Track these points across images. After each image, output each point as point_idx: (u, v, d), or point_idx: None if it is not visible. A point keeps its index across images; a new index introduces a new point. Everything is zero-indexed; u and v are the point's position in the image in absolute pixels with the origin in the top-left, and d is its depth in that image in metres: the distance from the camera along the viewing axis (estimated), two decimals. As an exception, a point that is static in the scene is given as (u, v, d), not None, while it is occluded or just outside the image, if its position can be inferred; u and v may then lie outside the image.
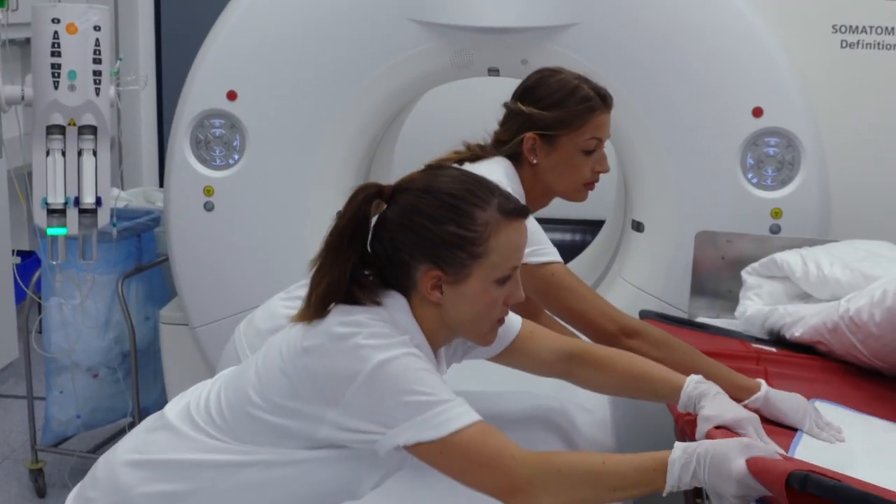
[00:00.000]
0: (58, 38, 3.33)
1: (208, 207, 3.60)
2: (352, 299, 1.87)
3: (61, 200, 3.40)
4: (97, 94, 3.38)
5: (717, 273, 3.23)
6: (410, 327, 1.88)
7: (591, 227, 4.98)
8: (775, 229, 3.42)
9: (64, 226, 3.42)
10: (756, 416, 2.01)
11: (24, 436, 4.27)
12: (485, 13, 3.41)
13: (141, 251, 4.05)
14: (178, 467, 1.90)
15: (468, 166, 2.52)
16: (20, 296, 4.71)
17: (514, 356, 2.19)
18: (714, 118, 3.42)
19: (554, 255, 2.46)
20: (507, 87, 3.71)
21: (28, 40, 3.39)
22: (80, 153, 3.41)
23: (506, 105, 2.63)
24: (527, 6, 3.39)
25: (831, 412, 2.29)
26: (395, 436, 1.79)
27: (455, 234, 1.84)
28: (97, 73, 3.37)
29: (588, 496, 1.79)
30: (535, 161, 2.54)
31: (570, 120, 2.51)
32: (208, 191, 3.60)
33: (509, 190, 2.42)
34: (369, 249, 1.90)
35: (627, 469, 1.78)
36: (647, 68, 3.42)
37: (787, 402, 2.19)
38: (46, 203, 3.39)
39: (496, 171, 2.50)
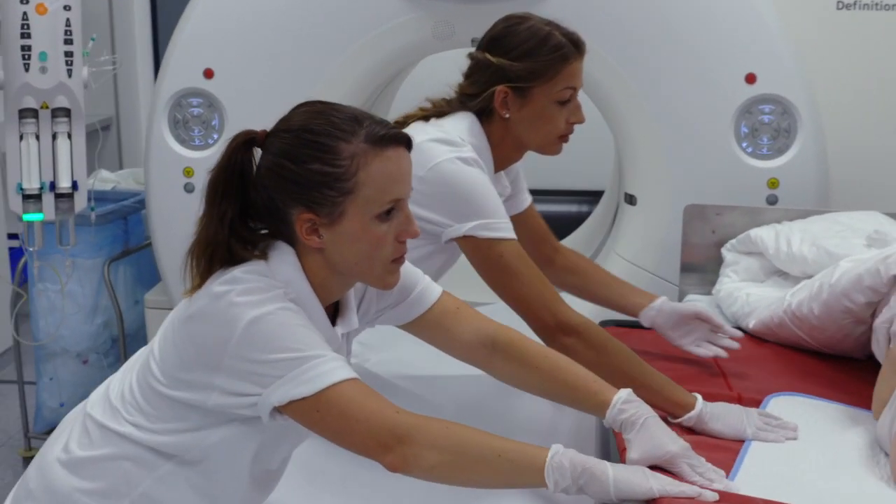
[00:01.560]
0: (27, 20, 3.23)
1: (189, 189, 3.52)
2: (235, 257, 1.77)
3: (37, 185, 3.32)
4: (69, 75, 3.28)
5: (706, 248, 3.11)
6: (294, 279, 1.78)
7: (594, 198, 4.87)
8: (772, 200, 3.30)
9: (40, 211, 3.34)
10: (687, 446, 1.85)
11: (20, 423, 4.22)
12: (465, -19, 3.31)
13: (128, 234, 3.98)
14: (104, 463, 1.84)
15: (433, 122, 2.43)
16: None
17: (431, 330, 2.06)
18: (705, 85, 3.31)
19: (506, 232, 2.31)
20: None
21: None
22: (54, 136, 3.33)
23: (471, 56, 2.47)
24: (508, -28, 3.28)
25: (790, 404, 2.21)
26: (269, 395, 1.69)
27: (320, 171, 1.73)
28: (69, 55, 3.28)
29: (471, 465, 1.71)
30: (506, 115, 2.39)
31: (542, 70, 2.36)
32: (188, 172, 3.52)
33: (472, 146, 2.35)
34: (255, 202, 1.80)
35: (518, 455, 1.71)
36: (635, 34, 3.30)
37: (723, 416, 2.08)
38: (21, 188, 3.31)
39: (460, 126, 2.39)
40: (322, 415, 1.70)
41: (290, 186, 1.75)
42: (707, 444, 2.00)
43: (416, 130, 2.34)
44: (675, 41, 3.29)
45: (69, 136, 3.33)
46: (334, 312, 1.91)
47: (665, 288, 3.27)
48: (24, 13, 3.23)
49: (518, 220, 2.55)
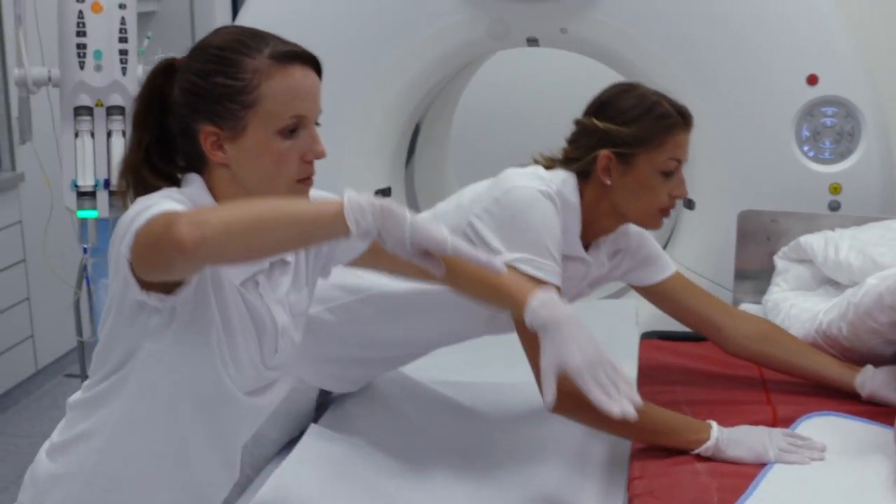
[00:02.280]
0: (82, 18, 3.26)
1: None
2: (149, 186, 1.74)
3: (91, 183, 3.34)
4: (124, 73, 3.31)
5: (761, 255, 3.01)
6: (202, 200, 1.74)
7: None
8: (834, 205, 3.19)
9: (94, 208, 3.36)
10: (599, 354, 1.81)
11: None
12: (520, -20, 3.26)
13: (189, 231, 3.98)
14: (68, 445, 1.82)
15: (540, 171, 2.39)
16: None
17: (376, 259, 2.02)
18: (766, 87, 3.21)
19: (548, 275, 2.24)
20: (567, 59, 3.56)
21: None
22: (108, 134, 3.35)
23: (577, 121, 2.42)
24: (564, -29, 3.22)
25: (824, 424, 2.13)
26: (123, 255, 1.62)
27: (223, 84, 1.71)
28: (123, 53, 3.30)
29: (262, 225, 1.57)
30: (608, 181, 2.33)
31: (648, 137, 2.29)
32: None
33: (566, 199, 2.31)
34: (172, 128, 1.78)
35: (311, 207, 1.60)
36: (693, 35, 3.22)
37: (744, 441, 2.03)
38: (76, 185, 3.33)
39: (557, 177, 2.34)
40: (138, 249, 1.59)
41: (196, 101, 1.74)
42: (723, 470, 1.93)
43: (516, 170, 2.36)
44: (735, 42, 3.20)
45: (123, 133, 3.35)
46: None
47: (720, 294, 3.18)
48: (80, 11, 3.26)
49: (655, 292, 2.53)
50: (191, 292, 1.68)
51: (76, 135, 3.33)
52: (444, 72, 3.57)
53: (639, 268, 2.52)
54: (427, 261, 1.61)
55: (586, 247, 2.40)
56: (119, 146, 3.33)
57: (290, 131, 1.74)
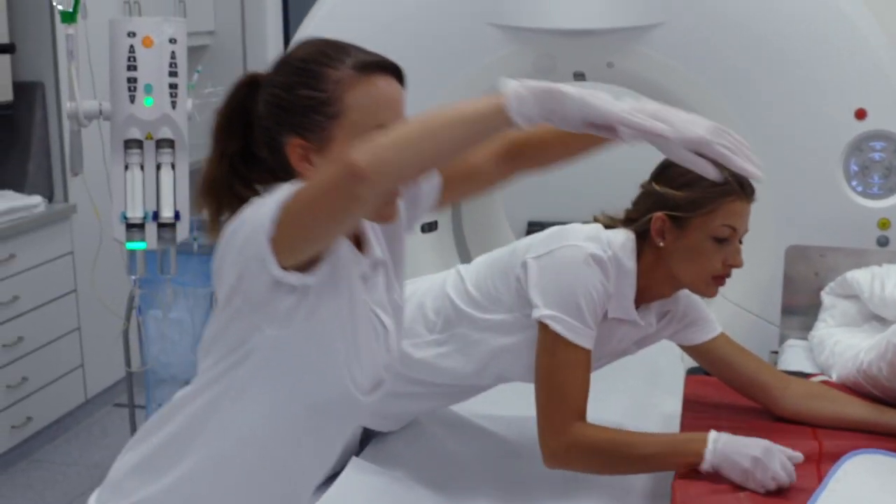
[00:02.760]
0: (133, 52, 3.30)
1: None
2: (242, 198, 1.74)
3: (140, 214, 3.38)
4: (173, 107, 3.34)
5: (809, 290, 2.98)
6: None
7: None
8: (883, 241, 3.16)
9: (143, 240, 3.40)
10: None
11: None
12: (566, 15, 3.26)
13: (237, 263, 4.01)
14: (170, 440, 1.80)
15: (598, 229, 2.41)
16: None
17: (456, 189, 2.01)
18: (813, 121, 3.19)
19: (580, 338, 2.27)
20: (615, 93, 3.55)
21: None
22: (158, 167, 3.39)
23: (641, 185, 2.46)
24: (610, 6, 3.23)
25: (874, 462, 2.10)
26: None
27: (307, 96, 1.72)
28: (173, 87, 3.34)
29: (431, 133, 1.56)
30: (661, 243, 2.34)
31: (701, 201, 2.30)
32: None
33: (621, 263, 2.33)
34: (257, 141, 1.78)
35: (470, 106, 1.55)
36: (739, 68, 3.21)
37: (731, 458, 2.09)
38: (125, 217, 3.37)
39: (617, 239, 2.36)
40: (294, 214, 1.59)
41: (281, 114, 1.75)
42: (765, 501, 1.91)
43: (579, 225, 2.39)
44: (783, 74, 3.18)
45: (172, 166, 3.38)
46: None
47: (767, 330, 3.15)
48: (131, 46, 3.30)
49: (703, 352, 2.53)
50: (326, 274, 1.67)
51: (126, 167, 3.37)
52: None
53: (686, 329, 2.52)
54: (600, 131, 1.57)
55: (637, 308, 2.41)
56: (168, 178, 3.37)
57: None
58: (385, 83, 1.76)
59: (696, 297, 2.49)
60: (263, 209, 1.61)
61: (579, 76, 3.41)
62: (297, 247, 1.63)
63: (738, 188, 2.32)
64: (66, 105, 3.49)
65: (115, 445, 4.52)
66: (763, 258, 3.28)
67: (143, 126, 3.34)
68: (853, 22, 3.15)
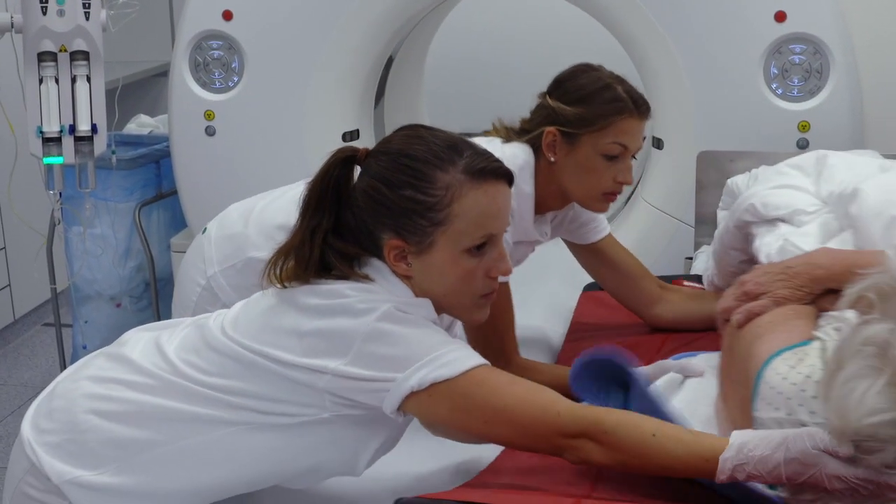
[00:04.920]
0: (43, -38, 3.22)
1: (210, 132, 3.50)
2: (332, 268, 1.74)
3: (56, 128, 3.31)
4: (87, 18, 3.26)
5: (720, 196, 2.97)
6: (403, 295, 1.73)
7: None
8: (803, 144, 3.17)
9: (60, 154, 3.33)
10: None
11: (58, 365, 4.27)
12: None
13: (161, 178, 3.96)
14: (146, 412, 1.78)
15: (498, 144, 2.38)
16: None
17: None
18: (733, 24, 3.18)
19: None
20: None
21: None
22: (73, 80, 3.31)
23: (538, 96, 2.43)
24: None
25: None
26: (405, 380, 1.64)
27: (413, 198, 1.69)
28: (86, -3, 3.26)
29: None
30: (553, 159, 2.33)
31: (593, 119, 2.29)
32: (209, 115, 3.50)
33: (521, 189, 2.31)
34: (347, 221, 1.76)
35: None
36: (660, -28, 3.18)
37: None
38: (41, 132, 3.30)
39: (518, 157, 2.33)
40: (468, 397, 1.66)
41: (383, 211, 1.72)
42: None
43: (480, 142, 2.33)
44: (703, -21, 3.16)
45: (88, 79, 3.31)
46: None
47: (687, 234, 3.17)
48: (41, -45, 3.21)
49: (591, 252, 2.58)
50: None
51: (40, 81, 3.30)
52: (409, 13, 3.52)
53: (578, 229, 2.55)
54: None
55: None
56: (84, 91, 3.29)
57: (478, 248, 1.72)
58: (495, 190, 1.73)
59: None
60: (410, 362, 1.64)
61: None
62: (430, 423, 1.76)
63: (632, 106, 2.31)
64: (-24, 18, 3.40)
65: (44, 365, 4.52)
66: (682, 163, 3.28)
67: (57, 38, 3.25)
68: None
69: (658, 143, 3.37)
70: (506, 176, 1.75)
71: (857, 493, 1.52)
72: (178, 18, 5.44)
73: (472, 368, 1.66)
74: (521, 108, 2.44)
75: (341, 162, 1.76)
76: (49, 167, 3.36)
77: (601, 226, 2.56)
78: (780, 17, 3.12)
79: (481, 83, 4.94)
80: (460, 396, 1.66)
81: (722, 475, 1.57)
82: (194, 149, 3.53)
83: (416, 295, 1.75)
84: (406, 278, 1.74)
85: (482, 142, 2.37)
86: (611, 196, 2.37)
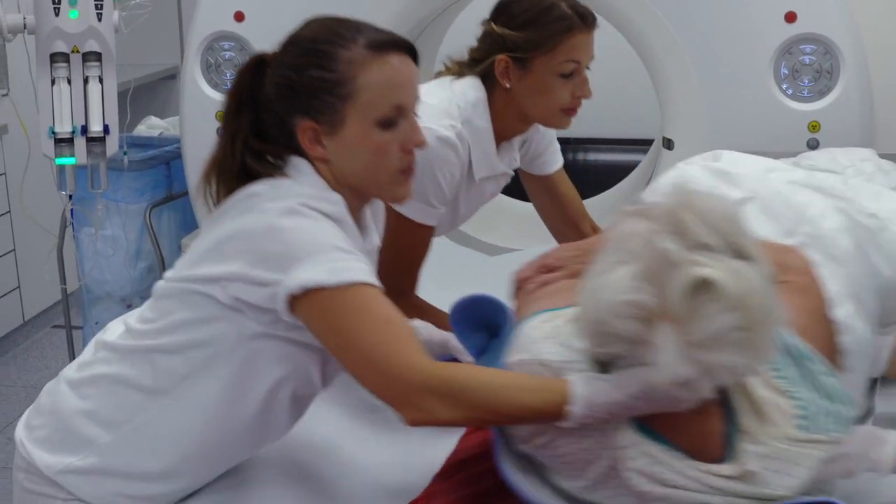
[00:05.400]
0: (55, -38, 3.23)
1: (221, 133, 3.49)
2: (253, 172, 1.78)
3: (68, 129, 3.32)
4: (99, 19, 3.27)
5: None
6: (319, 188, 1.76)
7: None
8: (813, 144, 3.17)
9: (72, 155, 3.34)
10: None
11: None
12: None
13: (171, 180, 3.97)
14: (113, 386, 1.82)
15: (448, 83, 2.43)
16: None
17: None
18: (744, 25, 3.18)
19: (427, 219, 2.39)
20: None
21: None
22: (85, 81, 3.32)
23: (482, 24, 2.45)
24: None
25: None
26: (288, 280, 1.65)
27: (318, 77, 1.73)
28: (99, -2, 3.28)
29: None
30: (508, 85, 2.36)
31: (541, 41, 2.32)
32: (220, 116, 3.49)
33: (475, 126, 2.36)
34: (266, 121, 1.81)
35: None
36: (670, -28, 3.19)
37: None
38: (53, 132, 3.31)
39: (469, 94, 2.38)
40: (338, 316, 1.64)
41: (292, 96, 1.75)
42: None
43: (430, 86, 2.38)
44: (713, -21, 3.17)
45: (100, 80, 3.32)
46: None
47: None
48: (53, -43, 3.23)
49: (544, 185, 2.66)
50: None
51: (53, 82, 3.30)
52: (424, 13, 3.51)
53: (539, 157, 2.62)
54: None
55: (498, 148, 2.46)
56: (96, 92, 3.30)
57: (390, 122, 1.74)
58: (399, 61, 1.76)
59: None
60: (297, 262, 1.64)
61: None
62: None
63: (580, 21, 2.33)
64: (-11, 19, 3.41)
65: (54, 367, 4.51)
66: (695, 163, 3.28)
67: (69, 39, 3.26)
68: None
69: (668, 144, 3.38)
70: (408, 48, 1.78)
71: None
72: (186, 22, 5.50)
73: (354, 284, 1.65)
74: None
75: (253, 66, 1.82)
76: (61, 168, 3.38)
77: (555, 158, 2.64)
78: (791, 17, 3.13)
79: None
80: (332, 312, 1.65)
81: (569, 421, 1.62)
82: (205, 150, 3.45)
83: (335, 183, 1.77)
84: (323, 162, 1.77)
85: (433, 83, 2.41)
86: (570, 111, 2.41)
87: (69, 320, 3.99)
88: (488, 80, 2.40)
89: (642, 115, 4.52)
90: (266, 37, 3.37)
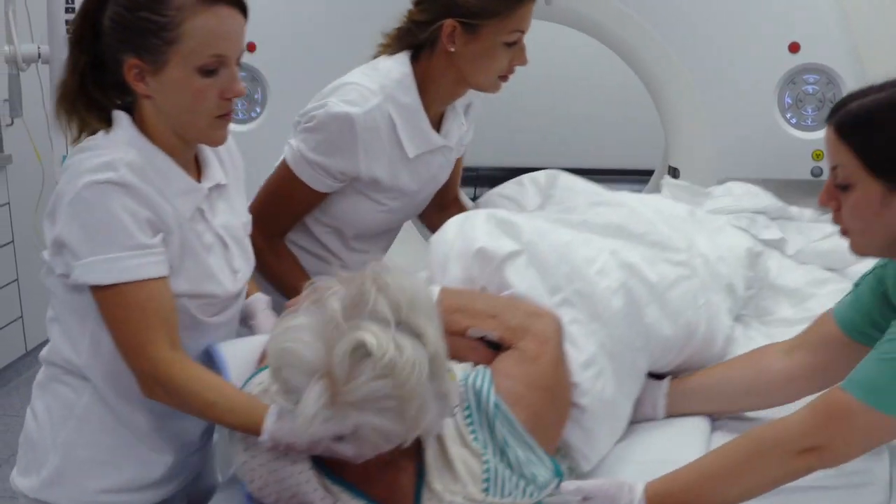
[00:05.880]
0: (71, -6, 3.28)
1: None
2: (85, 120, 1.86)
3: (82, 157, 3.34)
4: (113, 48, 3.31)
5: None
6: (133, 139, 1.84)
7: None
8: (817, 172, 3.24)
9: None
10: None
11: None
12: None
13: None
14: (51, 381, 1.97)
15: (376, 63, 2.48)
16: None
17: None
18: (748, 55, 3.26)
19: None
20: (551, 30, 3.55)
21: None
22: (99, 110, 3.35)
23: None
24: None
25: None
26: (77, 271, 1.79)
27: (147, 19, 1.79)
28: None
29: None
30: (452, 49, 2.38)
31: (495, 9, 2.34)
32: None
33: (400, 102, 2.40)
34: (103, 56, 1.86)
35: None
36: (675, 3, 3.25)
37: None
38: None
39: (393, 71, 2.43)
40: (106, 308, 1.81)
41: (123, 32, 1.81)
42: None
43: (360, 68, 2.48)
44: (717, 10, 3.24)
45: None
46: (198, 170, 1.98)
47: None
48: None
49: None
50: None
51: (67, 111, 3.33)
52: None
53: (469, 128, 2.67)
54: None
55: (441, 117, 2.52)
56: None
57: (210, 70, 1.82)
58: (227, 13, 1.83)
59: None
60: (81, 258, 1.77)
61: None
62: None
63: None
64: (4, 49, 3.46)
65: (58, 396, 4.52)
66: (701, 190, 3.34)
67: (83, 69, 3.31)
68: (787, -44, 3.21)
69: (674, 173, 3.43)
70: (237, 3, 1.84)
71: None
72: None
73: (120, 283, 1.77)
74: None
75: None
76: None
77: (467, 137, 2.67)
78: (794, 47, 3.20)
79: (497, 115, 4.99)
80: (102, 303, 1.81)
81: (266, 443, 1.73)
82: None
83: (158, 126, 1.86)
84: (147, 99, 1.84)
85: (364, 66, 2.49)
86: (505, 78, 2.45)
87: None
88: (425, 47, 2.43)
89: (643, 146, 4.59)
90: (277, 67, 3.48)
